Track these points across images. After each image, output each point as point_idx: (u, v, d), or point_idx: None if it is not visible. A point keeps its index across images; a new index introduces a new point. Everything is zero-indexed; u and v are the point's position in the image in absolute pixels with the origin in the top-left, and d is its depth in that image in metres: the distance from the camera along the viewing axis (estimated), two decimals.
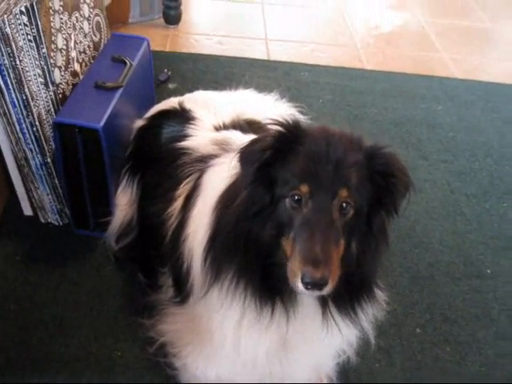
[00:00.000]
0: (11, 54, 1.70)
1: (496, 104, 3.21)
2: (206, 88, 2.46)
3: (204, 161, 1.74)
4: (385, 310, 1.56)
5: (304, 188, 1.24)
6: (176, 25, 3.60)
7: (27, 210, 2.15)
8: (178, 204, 1.73)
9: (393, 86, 3.25)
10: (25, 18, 1.73)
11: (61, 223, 2.14)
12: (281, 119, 1.35)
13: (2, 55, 1.69)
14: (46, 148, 1.92)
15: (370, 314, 1.47)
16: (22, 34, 1.74)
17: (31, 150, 1.90)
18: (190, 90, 2.30)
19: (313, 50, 3.58)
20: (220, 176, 1.52)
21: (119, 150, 2.05)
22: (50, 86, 1.90)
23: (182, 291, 1.67)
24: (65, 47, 2.01)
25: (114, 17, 3.04)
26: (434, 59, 3.65)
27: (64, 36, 2.00)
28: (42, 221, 2.13)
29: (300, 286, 1.21)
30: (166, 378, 1.70)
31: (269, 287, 1.35)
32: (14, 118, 1.83)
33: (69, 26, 2.04)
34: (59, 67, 1.97)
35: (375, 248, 1.36)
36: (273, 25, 3.82)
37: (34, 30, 1.78)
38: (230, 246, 1.36)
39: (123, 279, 1.99)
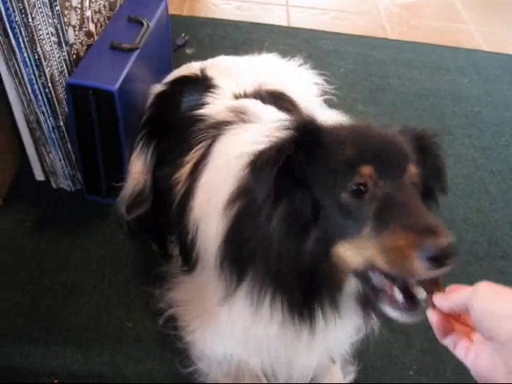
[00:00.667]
0: (23, 11, 1.62)
1: None
2: (224, 54, 2.38)
3: (218, 127, 1.65)
4: None
5: (366, 169, 1.05)
6: None
7: (39, 175, 2.10)
8: (185, 170, 1.66)
9: (417, 57, 3.14)
10: None
11: (73, 189, 2.08)
12: (295, 120, 1.18)
13: (14, 11, 1.61)
14: (58, 111, 1.85)
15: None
16: None
17: (43, 112, 1.84)
18: (208, 56, 2.22)
19: (334, 18, 3.46)
20: (229, 148, 1.43)
21: (134, 114, 1.98)
22: (64, 45, 1.82)
23: (189, 260, 1.61)
24: (79, 6, 1.92)
25: None
26: (460, 30, 3.52)
27: None
28: (54, 186, 2.08)
29: (421, 267, 0.94)
30: (177, 352, 1.64)
31: (309, 301, 1.19)
32: (26, 79, 1.75)
33: None
34: (73, 26, 1.89)
35: None
36: None
37: None
38: (255, 255, 1.21)
39: (135, 248, 1.94)
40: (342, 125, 1.23)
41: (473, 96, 2.89)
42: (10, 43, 1.67)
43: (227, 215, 1.30)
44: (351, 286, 1.18)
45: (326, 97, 2.45)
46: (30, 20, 1.64)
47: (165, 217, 1.74)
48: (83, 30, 1.97)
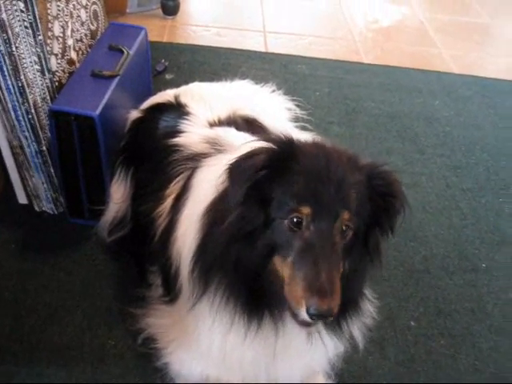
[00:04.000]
0: (7, 41, 1.69)
1: (493, 99, 3.22)
2: (202, 79, 2.46)
3: (195, 159, 1.70)
4: (373, 320, 1.55)
5: (305, 210, 1.20)
6: (174, 16, 3.58)
7: (22, 199, 2.14)
8: (167, 204, 1.71)
9: (390, 80, 3.25)
10: (21, 4, 1.71)
11: (55, 212, 2.12)
12: (274, 136, 1.31)
13: None
14: (41, 136, 1.90)
15: (356, 327, 1.47)
16: (19, 21, 1.72)
17: (26, 137, 1.89)
18: (187, 81, 2.29)
19: (310, 43, 3.56)
20: (209, 179, 1.48)
21: (115, 138, 2.03)
22: (46, 73, 1.88)
23: (171, 291, 1.65)
24: (61, 35, 1.99)
25: (111, 6, 3.02)
26: (432, 54, 3.65)
27: (61, 23, 1.98)
28: (37, 209, 2.12)
29: (304, 316, 1.17)
30: (158, 369, 1.67)
31: (257, 302, 1.33)
32: (10, 105, 1.81)
33: (66, 13, 2.02)
34: (56, 55, 1.96)
35: (367, 267, 1.36)
36: (271, 17, 3.80)
37: (31, 17, 1.76)
38: (218, 264, 1.33)
39: (116, 268, 1.98)
40: (314, 146, 1.33)
41: (444, 117, 2.99)
42: None
43: (200, 226, 1.41)
44: None
45: (300, 121, 2.51)
46: (13, 49, 1.71)
47: (145, 248, 1.78)
48: (65, 58, 2.03)
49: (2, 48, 1.69)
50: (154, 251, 1.73)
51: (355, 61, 3.44)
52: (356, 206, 1.23)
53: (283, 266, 1.23)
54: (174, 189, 1.70)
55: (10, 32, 1.68)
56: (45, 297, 1.86)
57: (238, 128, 1.85)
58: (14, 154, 1.98)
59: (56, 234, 2.07)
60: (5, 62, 1.72)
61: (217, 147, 1.69)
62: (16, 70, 1.75)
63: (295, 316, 1.22)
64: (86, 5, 2.22)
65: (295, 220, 1.21)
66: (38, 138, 1.91)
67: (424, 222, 2.33)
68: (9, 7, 1.67)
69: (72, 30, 2.08)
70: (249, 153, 1.29)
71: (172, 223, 1.63)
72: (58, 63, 1.98)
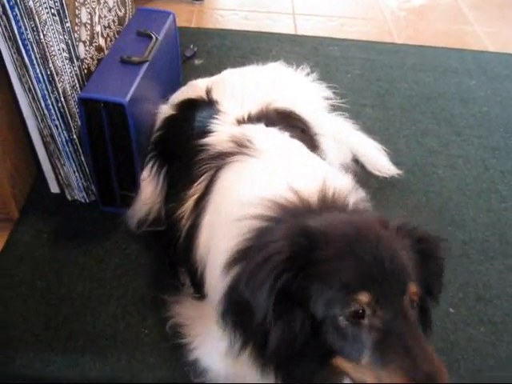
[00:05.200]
0: (35, 29, 1.67)
1: None
2: (232, 64, 2.42)
3: (219, 158, 1.65)
4: None
5: (364, 297, 1.04)
6: (202, 0, 3.54)
7: (54, 188, 2.14)
8: (189, 205, 1.67)
9: (424, 60, 3.16)
10: None
11: (87, 200, 2.12)
12: (288, 236, 1.14)
13: (26, 29, 1.66)
14: (71, 124, 1.89)
15: None
16: (46, 8, 1.70)
17: (57, 126, 1.88)
18: (217, 66, 2.27)
19: (341, 25, 3.49)
20: (230, 183, 1.44)
21: (145, 125, 2.02)
22: (75, 60, 1.87)
23: (200, 291, 1.62)
24: (89, 21, 1.97)
25: None
26: (467, 33, 3.54)
27: (88, 10, 1.96)
28: (69, 198, 2.12)
29: None
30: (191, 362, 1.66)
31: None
32: (39, 94, 1.80)
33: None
34: (84, 42, 1.94)
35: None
36: None
37: (58, 4, 1.75)
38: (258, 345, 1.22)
39: (148, 257, 1.97)
40: (335, 226, 1.18)
41: (480, 97, 2.90)
42: (22, 60, 1.72)
43: (228, 274, 1.31)
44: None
45: (335, 107, 2.46)
46: (41, 37, 1.69)
47: (174, 249, 1.76)
48: (93, 45, 2.01)
49: (30, 36, 1.68)
50: (180, 252, 1.72)
51: (387, 41, 3.35)
52: (416, 274, 1.11)
53: (360, 372, 1.07)
54: (196, 189, 1.67)
55: (37, 20, 1.67)
56: (78, 286, 1.86)
57: (271, 123, 1.78)
58: (44, 143, 1.98)
59: (88, 222, 2.07)
60: (33, 50, 1.70)
61: (242, 147, 1.64)
62: (44, 58, 1.73)
63: None
64: None
65: (355, 312, 1.05)
66: (69, 127, 1.90)
67: (462, 206, 2.26)
68: None
69: (99, 17, 2.06)
70: (263, 257, 1.13)
71: (195, 227, 1.60)
72: (87, 50, 1.97)
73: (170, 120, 2.01)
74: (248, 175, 1.52)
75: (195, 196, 1.67)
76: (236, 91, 1.96)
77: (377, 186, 2.29)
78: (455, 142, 2.59)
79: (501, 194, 2.34)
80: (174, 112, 2.01)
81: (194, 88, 2.07)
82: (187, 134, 1.86)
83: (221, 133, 1.76)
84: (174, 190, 1.81)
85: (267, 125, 1.78)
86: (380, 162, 2.34)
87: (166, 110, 2.05)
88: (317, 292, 1.08)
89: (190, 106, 1.97)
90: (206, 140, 1.76)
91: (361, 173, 2.28)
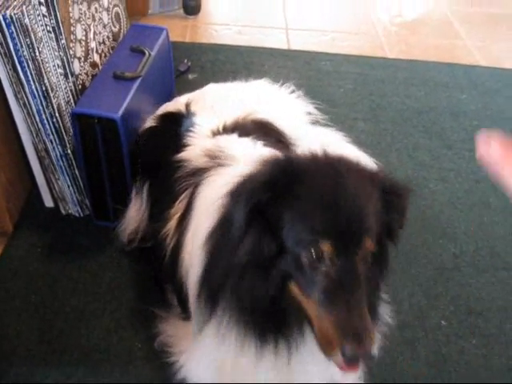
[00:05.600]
0: (30, 46, 1.69)
1: None
2: (225, 78, 2.44)
3: (197, 175, 1.64)
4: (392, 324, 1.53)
5: (326, 246, 1.12)
6: (195, 15, 3.58)
7: (48, 202, 2.15)
8: (172, 224, 1.68)
9: (415, 75, 3.20)
10: (43, 9, 1.72)
11: (81, 214, 2.13)
12: (272, 157, 1.25)
13: (22, 46, 1.68)
14: (66, 139, 1.91)
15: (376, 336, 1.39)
16: (41, 25, 1.73)
17: (51, 141, 1.90)
18: (210, 81, 2.28)
19: (334, 39, 3.53)
20: (210, 198, 1.43)
21: None
22: (70, 76, 1.89)
23: (186, 309, 1.61)
24: (84, 38, 2.00)
25: (134, 8, 3.04)
26: (458, 47, 3.58)
27: (83, 27, 1.99)
28: (63, 212, 2.13)
29: (340, 360, 1.10)
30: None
31: (269, 327, 1.27)
32: (34, 109, 1.82)
33: (88, 16, 2.02)
34: (78, 58, 1.96)
35: (380, 276, 1.32)
36: (293, 14, 3.77)
37: (53, 21, 1.77)
38: (226, 291, 1.27)
39: (141, 272, 1.97)
40: (320, 162, 1.25)
41: (471, 111, 2.93)
42: (18, 76, 1.74)
43: (205, 250, 1.35)
44: None
45: (324, 121, 2.47)
46: (37, 54, 1.71)
47: (160, 267, 1.76)
48: (88, 61, 2.04)
49: (26, 53, 1.70)
50: (166, 271, 1.72)
51: (379, 56, 3.39)
52: (375, 228, 1.18)
53: (308, 304, 1.17)
54: (178, 208, 1.67)
55: (33, 37, 1.69)
56: (72, 300, 1.86)
57: (246, 133, 1.77)
58: (39, 158, 2.00)
59: (82, 236, 2.07)
60: (28, 66, 1.72)
61: (216, 160, 1.64)
62: (40, 75, 1.75)
63: (323, 351, 1.16)
64: (108, 7, 2.22)
65: (315, 256, 1.13)
66: (63, 142, 1.91)
67: (453, 219, 2.28)
68: (31, 12, 1.67)
69: (94, 33, 2.08)
70: (247, 177, 1.24)
71: (179, 245, 1.60)
72: (81, 66, 1.99)
73: (148, 132, 2.01)
74: (224, 184, 1.48)
75: (177, 214, 1.67)
76: (215, 105, 1.97)
77: None
78: (446, 155, 2.62)
79: (492, 207, 2.37)
80: (153, 124, 2.02)
81: (176, 102, 2.09)
82: (164, 149, 1.87)
83: (195, 147, 1.77)
84: (157, 209, 1.81)
85: (241, 135, 1.77)
86: None
87: (147, 121, 2.06)
88: (287, 224, 1.16)
89: (169, 119, 1.98)
90: (182, 155, 1.76)
91: None
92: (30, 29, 1.67)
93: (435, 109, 2.92)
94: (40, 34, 1.72)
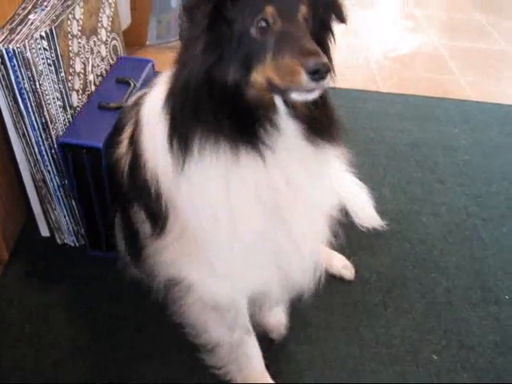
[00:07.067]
0: (31, 78, 1.73)
1: None
2: None
3: (136, 103, 1.75)
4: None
5: (269, 9, 1.25)
6: None
7: (44, 231, 2.17)
8: (124, 144, 1.72)
9: (408, 109, 3.25)
10: (45, 43, 1.75)
11: (77, 244, 2.15)
12: None
13: (23, 79, 1.72)
14: (63, 170, 1.93)
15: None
16: (42, 59, 1.76)
17: (49, 171, 1.92)
18: None
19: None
20: (153, 103, 1.49)
21: None
22: (68, 109, 1.92)
23: (158, 218, 1.58)
24: (82, 71, 2.03)
25: (131, 40, 3.08)
26: (449, 82, 3.65)
27: (82, 60, 2.02)
28: (59, 242, 2.14)
29: (305, 79, 1.20)
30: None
31: (243, 128, 1.32)
32: (33, 141, 1.85)
33: (86, 50, 2.06)
34: (77, 90, 1.99)
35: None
36: None
37: (53, 54, 1.80)
38: (193, 108, 1.32)
39: (138, 296, 1.96)
40: None
41: (463, 145, 2.98)
42: (18, 108, 1.77)
43: (165, 111, 1.40)
44: (280, 104, 1.35)
45: None
46: (37, 86, 1.75)
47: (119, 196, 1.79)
48: (86, 93, 2.06)
49: (27, 85, 1.73)
50: (128, 191, 1.72)
51: (372, 89, 3.45)
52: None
53: (265, 68, 1.27)
54: (127, 132, 1.74)
55: (34, 70, 1.72)
56: (67, 330, 1.87)
57: None
58: (36, 188, 2.02)
59: (77, 266, 2.08)
60: (29, 98, 1.76)
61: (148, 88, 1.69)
62: (40, 107, 1.78)
63: (295, 90, 1.25)
64: (106, 40, 2.26)
65: (262, 22, 1.25)
66: (61, 172, 1.94)
67: (445, 253, 2.31)
68: (33, 46, 1.71)
69: (92, 66, 2.12)
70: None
71: (135, 155, 1.60)
72: (79, 98, 2.02)
73: None
74: (159, 90, 1.51)
75: (128, 134, 1.72)
76: None
77: (361, 232, 2.33)
78: (439, 189, 2.65)
79: (483, 241, 2.39)
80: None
81: None
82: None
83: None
84: None
85: None
86: (367, 213, 2.37)
87: None
88: (239, 13, 1.27)
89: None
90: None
91: (345, 220, 2.33)
92: (31, 62, 1.71)
93: (428, 143, 2.97)
94: (41, 67, 1.76)
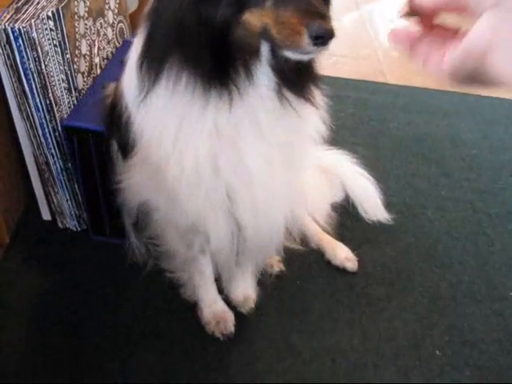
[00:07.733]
0: (37, 59, 1.70)
1: None
2: None
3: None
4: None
5: None
6: None
7: (46, 215, 2.14)
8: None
9: (415, 101, 3.22)
10: (51, 23, 1.72)
11: (78, 229, 2.13)
12: None
13: (28, 59, 1.69)
14: (67, 153, 1.91)
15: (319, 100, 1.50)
16: (48, 39, 1.73)
17: (53, 154, 1.90)
18: None
19: (335, 63, 3.55)
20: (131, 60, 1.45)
21: None
22: (73, 91, 1.89)
23: (127, 143, 1.56)
24: (88, 53, 2.00)
25: (138, 23, 3.04)
26: None
27: (88, 42, 1.99)
28: (61, 226, 2.12)
29: (306, 42, 1.09)
30: None
31: (219, 65, 1.24)
32: (37, 123, 1.82)
33: (93, 31, 2.03)
34: (82, 73, 1.96)
35: None
36: None
37: (60, 35, 1.77)
38: (172, 39, 1.24)
39: (139, 283, 1.96)
40: None
41: (470, 140, 2.95)
42: (23, 89, 1.74)
43: (143, 26, 1.36)
44: (265, 52, 1.26)
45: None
46: (43, 67, 1.72)
47: None
48: (91, 76, 2.04)
49: (32, 66, 1.70)
50: (107, 128, 1.74)
51: (380, 81, 3.41)
52: None
53: (262, 13, 1.15)
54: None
55: (39, 50, 1.69)
56: (66, 316, 1.85)
57: None
58: (39, 171, 1.99)
59: (78, 251, 2.07)
60: (34, 79, 1.73)
61: None
62: (45, 88, 1.75)
63: (291, 48, 1.15)
64: (113, 23, 2.23)
65: None
66: (64, 156, 1.91)
67: (450, 248, 2.28)
68: (39, 26, 1.68)
69: (99, 48, 2.09)
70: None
71: (116, 93, 1.61)
72: (84, 81, 1.99)
73: None
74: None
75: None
76: None
77: (366, 224, 2.31)
78: (445, 183, 2.62)
79: (488, 237, 2.37)
80: None
81: None
82: None
83: None
84: None
85: None
86: (373, 205, 2.35)
87: None
88: None
89: None
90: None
91: (351, 212, 2.31)
92: (37, 42, 1.68)
93: (434, 136, 2.94)
94: (46, 48, 1.73)
